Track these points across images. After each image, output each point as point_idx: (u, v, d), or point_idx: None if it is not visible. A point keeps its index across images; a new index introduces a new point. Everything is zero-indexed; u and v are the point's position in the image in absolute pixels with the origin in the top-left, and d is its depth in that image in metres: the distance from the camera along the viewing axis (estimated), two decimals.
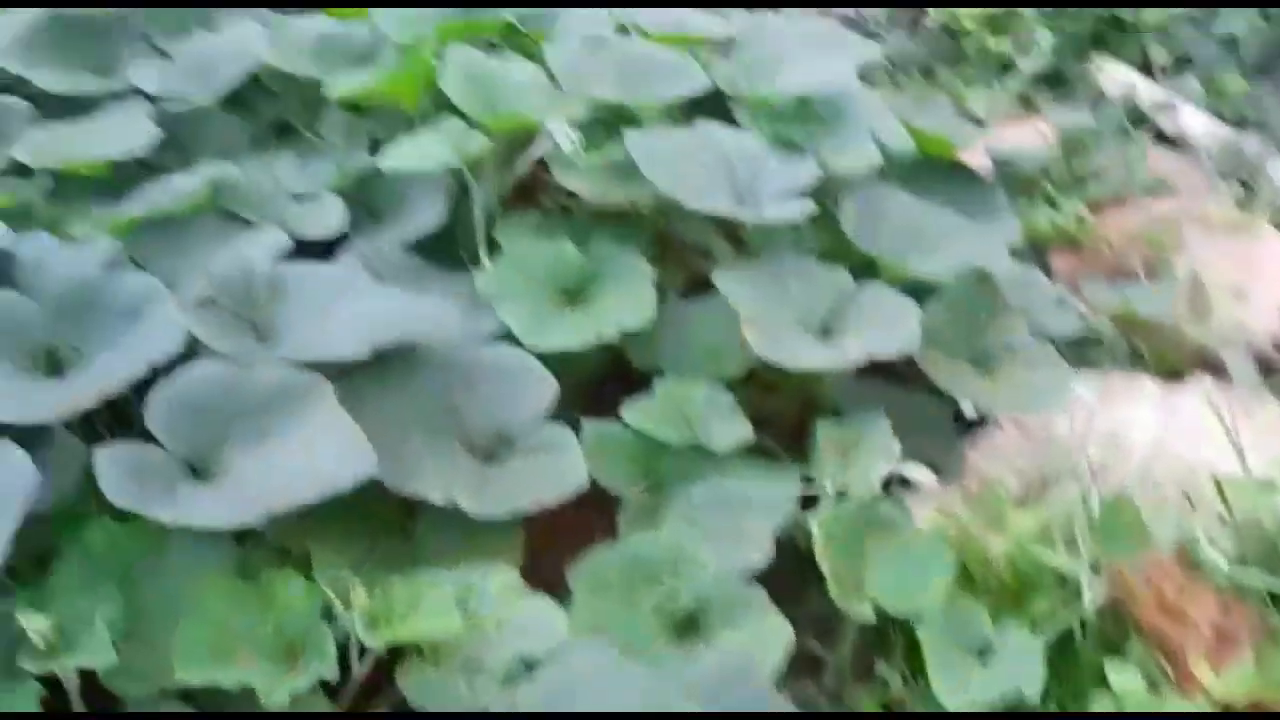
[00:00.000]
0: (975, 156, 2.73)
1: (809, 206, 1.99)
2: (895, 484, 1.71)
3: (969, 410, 2.03)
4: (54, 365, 1.53)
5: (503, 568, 1.46)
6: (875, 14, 4.18)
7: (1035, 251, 2.65)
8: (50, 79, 2.36)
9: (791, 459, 1.89)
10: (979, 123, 3.20)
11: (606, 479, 1.67)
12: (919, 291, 1.95)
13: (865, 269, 2.03)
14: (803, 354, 1.76)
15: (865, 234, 2.06)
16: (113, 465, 1.30)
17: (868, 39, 3.13)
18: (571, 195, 2.75)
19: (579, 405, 1.82)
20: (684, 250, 2.43)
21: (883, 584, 1.56)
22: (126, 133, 2.21)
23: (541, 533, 1.82)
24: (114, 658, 1.17)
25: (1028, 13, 3.71)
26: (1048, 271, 2.53)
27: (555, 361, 1.77)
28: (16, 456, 1.25)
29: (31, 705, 1.18)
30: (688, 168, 2.03)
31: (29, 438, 1.36)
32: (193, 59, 2.39)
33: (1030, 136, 3.02)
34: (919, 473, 1.54)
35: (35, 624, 1.15)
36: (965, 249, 2.06)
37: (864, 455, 1.64)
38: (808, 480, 1.71)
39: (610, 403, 2.01)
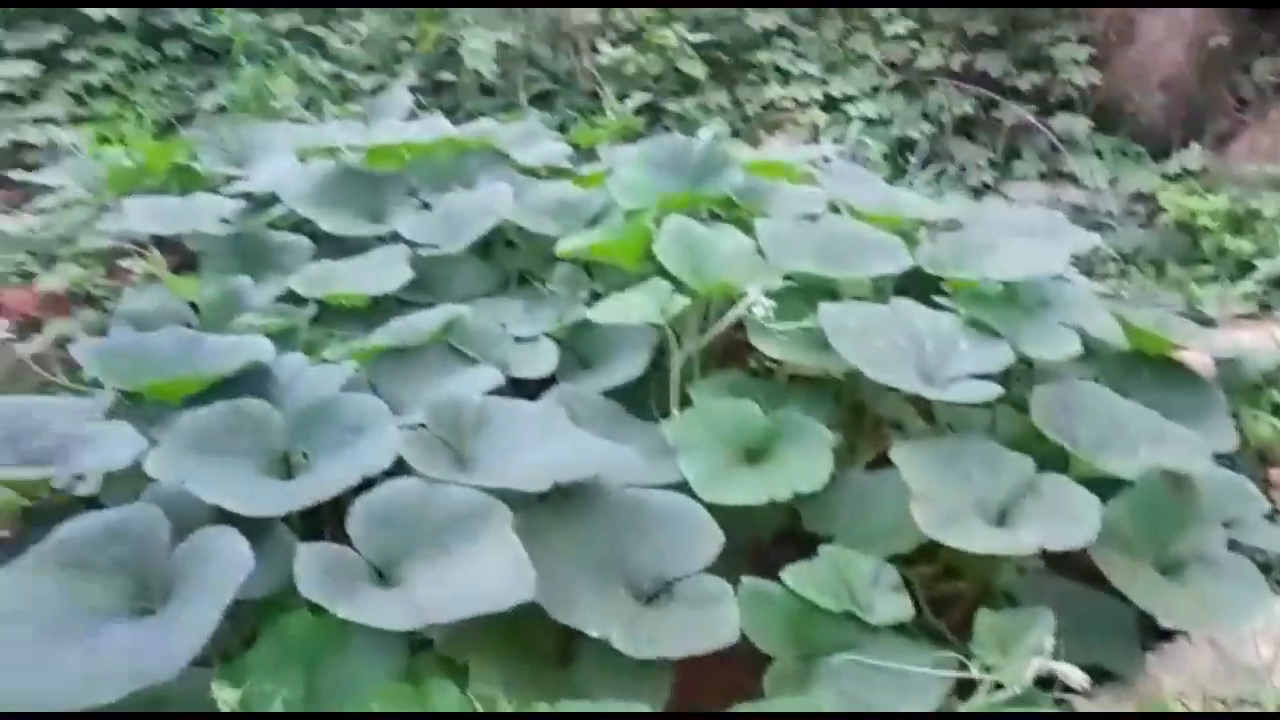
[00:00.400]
0: (1197, 357, 2.63)
1: (994, 390, 2.00)
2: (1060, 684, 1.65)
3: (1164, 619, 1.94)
4: (286, 469, 1.75)
5: (643, 710, 1.50)
6: (1109, 205, 4.14)
7: (1258, 460, 2.51)
8: (330, 222, 2.75)
9: (961, 644, 1.87)
10: (1208, 322, 3.09)
11: (758, 637, 1.70)
12: (1109, 488, 1.91)
13: (1055, 460, 2.00)
14: (973, 536, 1.75)
15: (1057, 424, 2.03)
16: (311, 561, 1.48)
17: (1092, 230, 3.11)
18: (775, 360, 2.89)
19: (748, 560, 1.87)
20: (879, 422, 2.47)
21: None
22: (386, 273, 2.53)
23: (689, 680, 1.87)
24: None
25: (1270, 213, 3.57)
26: (1266, 483, 2.38)
27: (729, 515, 1.84)
28: (240, 546, 1.44)
29: None
30: (876, 342, 2.09)
31: (254, 530, 1.56)
32: (448, 211, 2.71)
33: (1262, 339, 2.88)
34: (1073, 674, 1.48)
35: (225, 695, 1.32)
36: (1163, 450, 1.99)
37: (1021, 648, 1.59)
38: (964, 667, 1.68)
39: (779, 562, 2.05)
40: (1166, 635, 1.95)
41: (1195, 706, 1.72)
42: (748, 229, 2.59)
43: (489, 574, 1.49)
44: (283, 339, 2.25)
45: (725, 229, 2.46)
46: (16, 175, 3.81)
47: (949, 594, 2.01)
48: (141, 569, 1.48)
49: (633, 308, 2.12)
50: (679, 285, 2.22)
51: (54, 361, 2.58)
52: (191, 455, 1.67)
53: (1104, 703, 1.71)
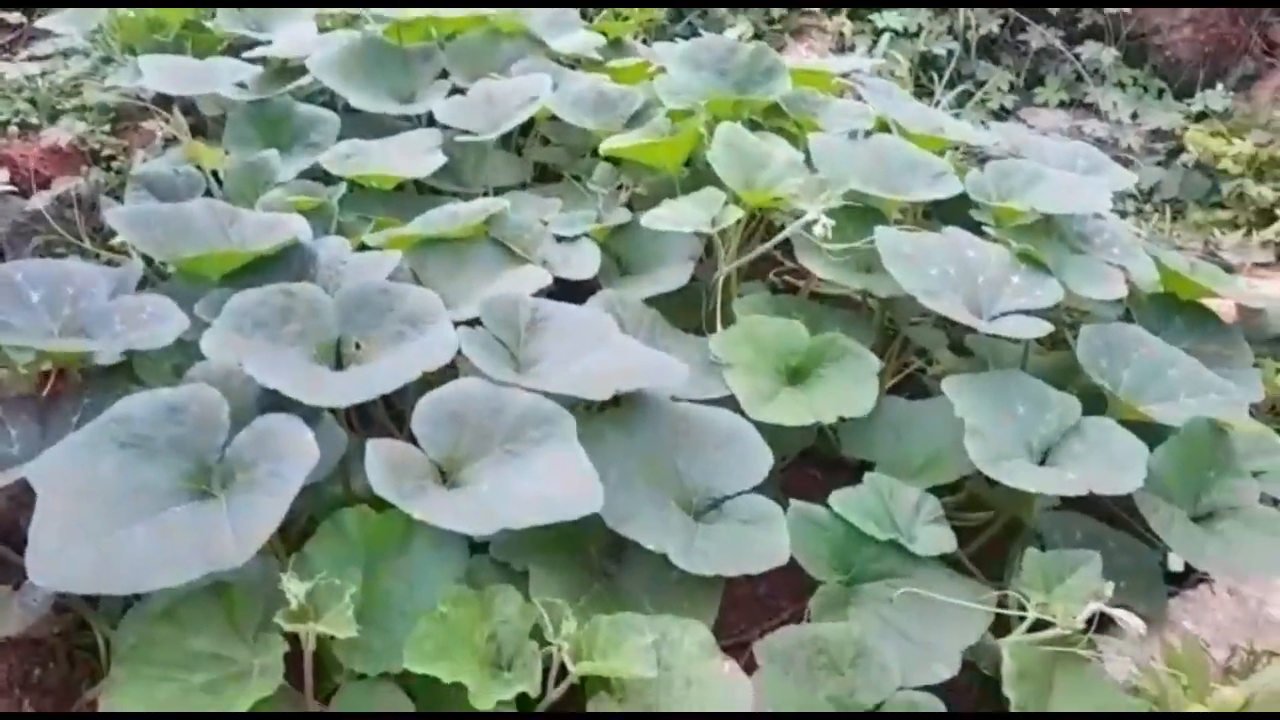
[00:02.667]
0: (1223, 304, 2.64)
1: (1045, 327, 1.99)
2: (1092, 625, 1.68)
3: (1175, 563, 1.98)
4: (337, 357, 1.70)
5: (697, 626, 1.51)
6: (1130, 140, 4.10)
7: (1270, 413, 2.54)
8: (359, 97, 2.64)
9: (979, 573, 1.89)
10: (1229, 269, 3.09)
11: (805, 560, 1.70)
12: (1144, 433, 1.92)
13: (1091, 400, 2.01)
14: (1023, 474, 1.75)
15: (1099, 366, 2.03)
16: (378, 458, 1.44)
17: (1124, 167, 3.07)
18: (796, 275, 2.86)
19: (774, 479, 1.87)
20: (903, 348, 2.46)
21: None
22: (418, 156, 2.44)
23: (744, 596, 1.89)
24: (354, 631, 1.29)
25: None
26: None
27: (764, 432, 1.83)
28: (306, 435, 1.41)
29: (276, 655, 1.32)
30: (930, 270, 2.06)
31: (307, 418, 1.52)
32: (486, 96, 2.60)
33: None
34: (1130, 620, 1.50)
35: (295, 588, 1.30)
36: (1204, 400, 2.00)
37: (1071, 591, 1.61)
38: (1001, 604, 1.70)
39: (804, 482, 2.06)
40: (1178, 581, 2.00)
41: (1219, 654, 1.76)
42: (792, 139, 2.53)
43: (557, 483, 1.47)
44: (315, 218, 2.17)
45: (775, 140, 2.40)
46: (11, 17, 3.61)
47: (972, 525, 2.03)
48: (200, 452, 1.44)
49: (686, 216, 2.07)
50: (729, 196, 2.17)
51: (59, 220, 2.48)
52: (243, 337, 1.61)
53: (1127, 647, 1.74)
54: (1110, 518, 2.03)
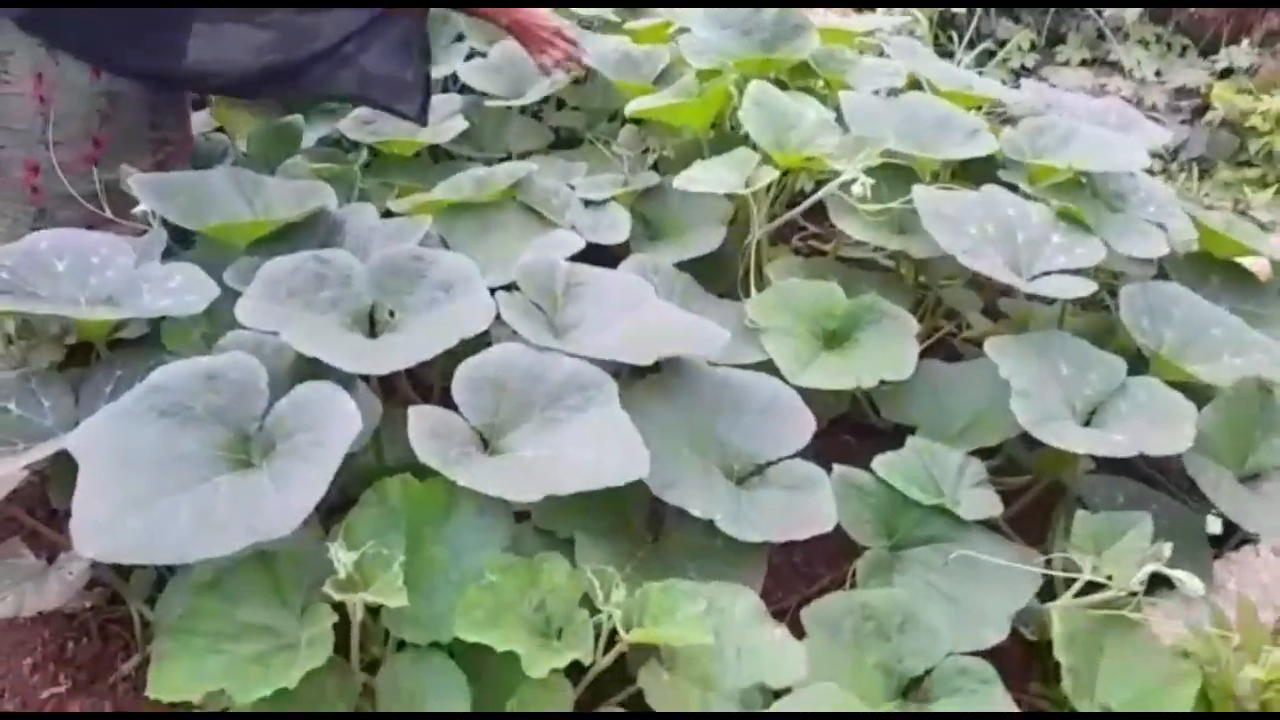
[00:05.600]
0: (1255, 262, 2.59)
1: (1089, 286, 1.95)
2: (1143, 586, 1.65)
3: (1213, 526, 1.95)
4: (370, 325, 1.67)
5: (746, 592, 1.49)
6: (1154, 98, 4.04)
7: None
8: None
9: (1025, 542, 1.87)
10: (1262, 228, 3.04)
11: (850, 526, 1.68)
12: (1186, 392, 1.89)
13: (1132, 361, 1.97)
14: (1070, 436, 1.72)
15: (1142, 325, 2.00)
16: (421, 425, 1.42)
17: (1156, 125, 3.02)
18: (820, 240, 2.82)
19: (811, 445, 1.84)
20: (935, 310, 2.43)
21: (1119, 693, 1.51)
22: (439, 122, 2.40)
23: (780, 563, 1.87)
24: (405, 600, 1.27)
25: None
26: None
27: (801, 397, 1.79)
28: (348, 403, 1.38)
29: (325, 625, 1.30)
30: (969, 229, 2.02)
31: (343, 385, 1.49)
32: (509, 59, 2.55)
33: None
34: (1189, 580, 1.47)
35: (344, 558, 1.27)
36: (1249, 359, 1.96)
37: (1122, 553, 1.58)
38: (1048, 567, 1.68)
39: (840, 448, 2.03)
40: (1219, 544, 1.97)
41: (1266, 616, 1.73)
42: (820, 98, 2.48)
43: (602, 449, 1.44)
44: (337, 184, 2.13)
45: (805, 98, 2.35)
46: None
47: (1011, 489, 2.00)
48: (239, 421, 1.41)
49: (719, 178, 2.03)
50: (761, 156, 2.12)
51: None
52: (278, 305, 1.58)
53: (1172, 609, 1.71)
54: (1149, 480, 2.00)
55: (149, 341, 1.76)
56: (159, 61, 2.03)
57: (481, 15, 2.46)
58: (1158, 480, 2.00)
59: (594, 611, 1.36)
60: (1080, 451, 1.72)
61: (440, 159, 2.55)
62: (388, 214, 2.06)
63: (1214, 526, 1.95)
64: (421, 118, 2.27)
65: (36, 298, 1.65)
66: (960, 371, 2.03)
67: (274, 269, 1.62)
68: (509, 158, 2.50)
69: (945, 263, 2.12)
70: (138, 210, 1.89)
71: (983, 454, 1.91)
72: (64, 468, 1.45)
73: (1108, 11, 4.31)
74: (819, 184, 2.25)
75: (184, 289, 1.67)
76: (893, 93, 2.48)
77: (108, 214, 1.98)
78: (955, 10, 4.31)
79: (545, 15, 2.45)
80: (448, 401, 1.55)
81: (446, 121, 2.40)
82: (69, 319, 1.69)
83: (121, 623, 1.77)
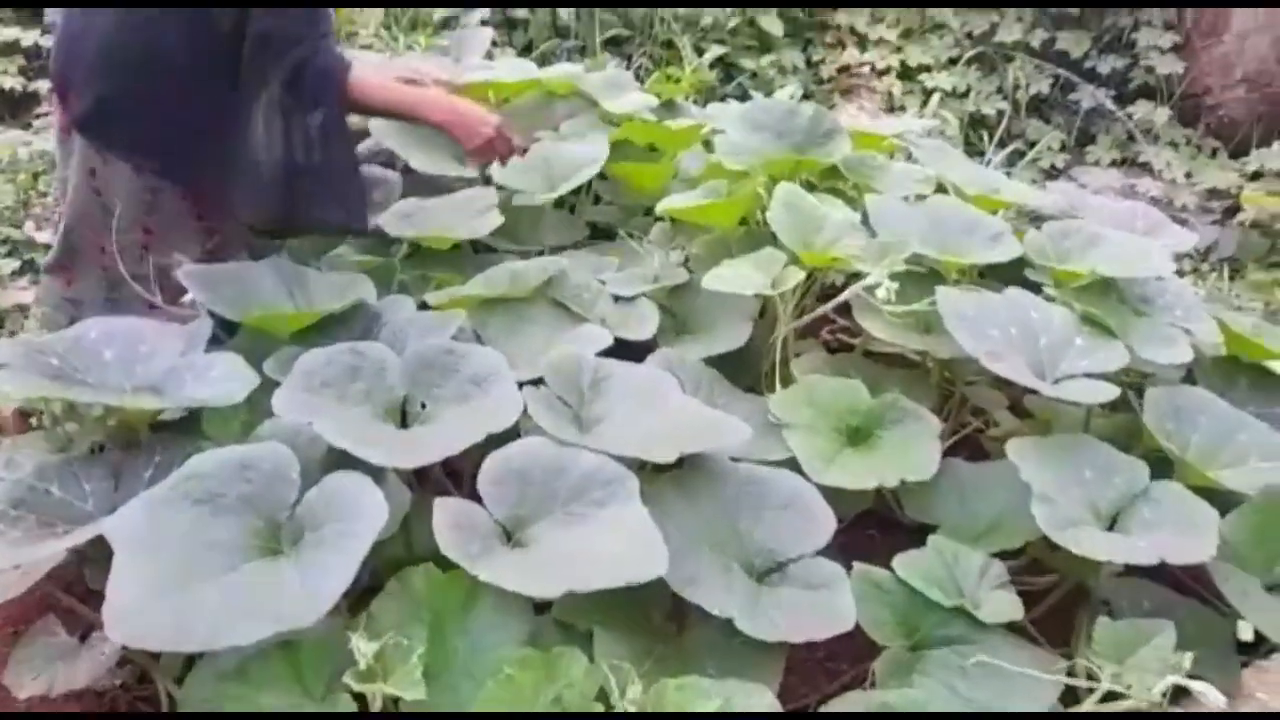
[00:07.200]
0: None
1: (1112, 391, 1.96)
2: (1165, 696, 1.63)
3: (1245, 632, 1.92)
4: (401, 416, 1.72)
5: (763, 691, 1.49)
6: (1185, 199, 4.07)
7: None
8: (420, 159, 2.69)
9: (1050, 644, 1.85)
10: None
11: (869, 625, 1.68)
12: (1212, 498, 1.88)
13: (1157, 465, 1.97)
14: (1091, 541, 1.72)
15: (1167, 429, 2.00)
16: (445, 518, 1.45)
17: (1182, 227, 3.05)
18: (848, 333, 2.85)
19: (832, 540, 1.85)
20: (960, 406, 2.44)
21: None
22: (476, 216, 2.48)
23: (803, 658, 1.86)
24: (423, 694, 1.29)
25: None
26: None
27: (823, 494, 1.80)
28: (376, 495, 1.42)
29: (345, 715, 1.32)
30: (991, 331, 2.05)
31: (372, 476, 1.53)
32: (544, 158, 2.64)
33: None
34: (1209, 693, 1.46)
35: (364, 648, 1.30)
36: (1277, 464, 1.96)
37: (1145, 661, 1.57)
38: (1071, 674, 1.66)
39: (862, 543, 2.03)
40: (1250, 650, 1.94)
41: None
42: (847, 200, 2.54)
43: (623, 545, 1.46)
44: (377, 276, 2.21)
45: (831, 201, 2.41)
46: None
47: (1035, 590, 1.99)
48: (270, 509, 1.45)
49: (747, 278, 2.07)
50: (788, 256, 2.17)
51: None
52: (312, 396, 1.63)
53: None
54: (1177, 584, 1.98)
55: (190, 426, 1.82)
56: (197, 172, 2.17)
57: (411, 117, 2.45)
58: (1186, 584, 1.98)
59: (610, 707, 1.37)
60: (1102, 559, 1.71)
61: (478, 250, 2.63)
62: (425, 306, 2.13)
63: (1245, 633, 1.92)
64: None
65: (84, 385, 1.71)
66: (984, 472, 2.03)
67: (310, 361, 1.68)
68: (544, 251, 2.57)
69: (970, 362, 2.14)
70: (186, 299, 1.98)
71: (1008, 554, 1.91)
72: (101, 549, 1.50)
73: (1138, 114, 4.38)
74: (848, 278, 2.30)
75: (226, 378, 1.73)
76: (919, 196, 2.53)
77: (158, 299, 2.08)
78: (985, 111, 4.40)
79: (482, 114, 2.40)
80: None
81: (484, 216, 2.48)
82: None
83: (150, 701, 1.79)
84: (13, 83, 4.31)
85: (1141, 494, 1.88)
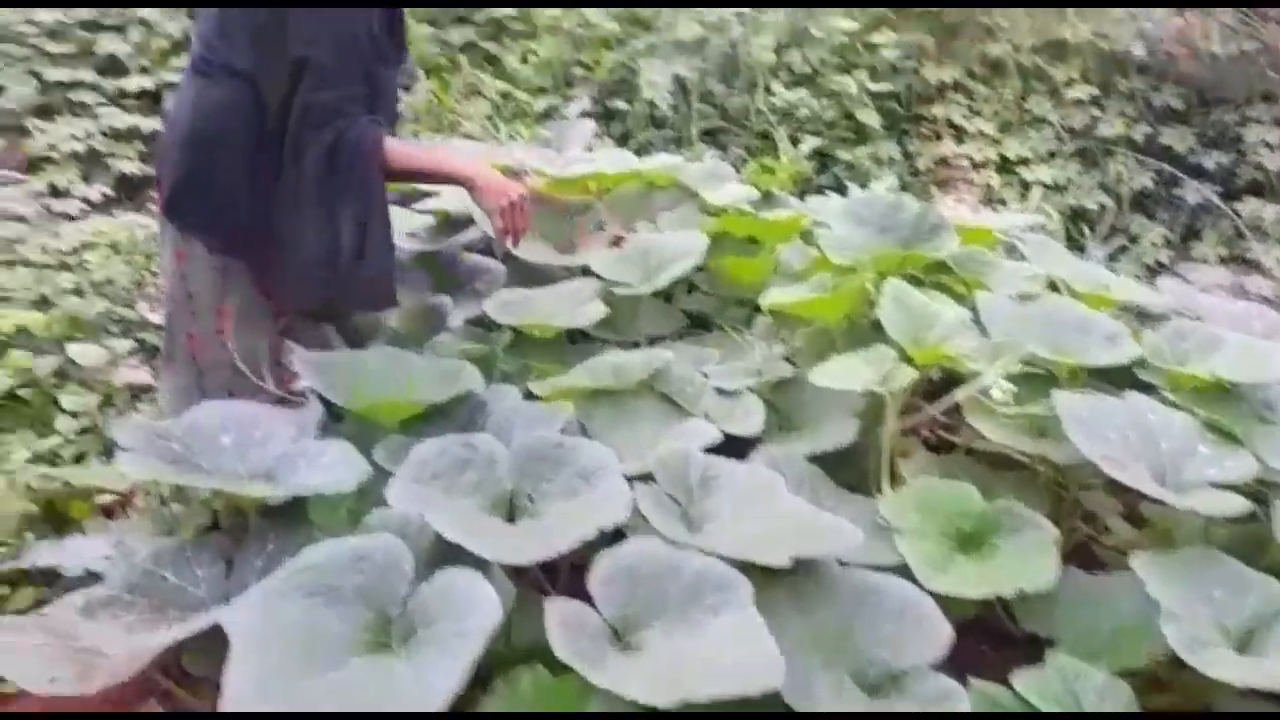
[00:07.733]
0: None
1: (1244, 506, 1.87)
2: None
3: None
4: (509, 510, 1.71)
5: None
6: None
7: None
8: (523, 250, 2.72)
9: None
10: None
11: None
12: None
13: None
14: (1224, 665, 1.62)
15: None
16: (556, 619, 1.43)
17: None
18: (948, 430, 2.78)
19: None
20: (1072, 512, 2.35)
21: None
22: (579, 306, 2.50)
23: None
24: None
25: None
26: None
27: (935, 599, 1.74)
28: (489, 592, 1.40)
29: None
30: (1109, 435, 1.98)
31: (478, 565, 1.52)
32: (643, 250, 2.67)
33: None
34: None
35: None
36: None
37: None
38: None
39: (973, 656, 1.95)
40: None
41: None
42: (956, 297, 2.50)
43: (740, 655, 1.42)
44: (480, 363, 2.22)
45: (941, 297, 2.38)
46: None
47: (1157, 706, 1.88)
48: (383, 602, 1.45)
49: (856, 375, 2.04)
50: (898, 354, 2.14)
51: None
52: (423, 487, 1.64)
53: None
54: None
55: (296, 511, 1.82)
56: (259, 246, 2.20)
57: (436, 176, 2.49)
58: None
59: None
60: (1236, 684, 1.61)
61: (577, 340, 2.64)
62: (528, 394, 2.13)
63: None
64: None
65: (201, 470, 1.74)
66: (1104, 584, 1.94)
67: (423, 451, 1.69)
68: (640, 342, 2.57)
69: (1084, 467, 2.07)
70: (298, 385, 2.01)
71: (1125, 671, 1.81)
72: (202, 635, 1.51)
73: (1245, 210, 4.27)
74: (947, 375, 2.25)
75: (338, 466, 1.75)
76: (1028, 295, 2.48)
77: (248, 377, 2.11)
78: (1086, 205, 4.33)
79: (505, 181, 2.43)
80: (574, 580, 1.55)
81: (587, 306, 2.50)
82: None
83: None
84: (131, 167, 4.52)
85: (1275, 615, 1.77)
